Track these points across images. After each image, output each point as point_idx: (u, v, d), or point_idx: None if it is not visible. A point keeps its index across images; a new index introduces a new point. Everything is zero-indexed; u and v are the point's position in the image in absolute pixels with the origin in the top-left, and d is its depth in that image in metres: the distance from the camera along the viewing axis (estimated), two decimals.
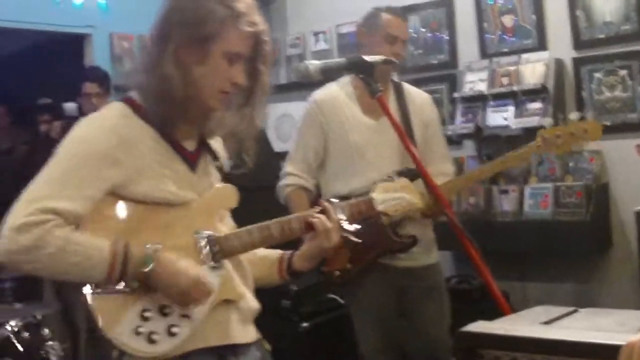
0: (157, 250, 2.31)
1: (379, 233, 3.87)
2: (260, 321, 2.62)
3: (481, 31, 5.93)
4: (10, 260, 2.26)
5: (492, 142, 5.65)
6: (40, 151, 5.71)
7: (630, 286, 5.15)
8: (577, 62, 5.49)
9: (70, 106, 5.45)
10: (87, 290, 2.30)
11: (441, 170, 4.07)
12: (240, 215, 2.65)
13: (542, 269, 5.55)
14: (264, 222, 2.55)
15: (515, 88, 5.54)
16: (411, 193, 2.71)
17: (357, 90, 4.08)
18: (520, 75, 5.58)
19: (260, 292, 2.66)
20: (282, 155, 4.51)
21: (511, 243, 5.33)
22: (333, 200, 2.65)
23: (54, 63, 7.49)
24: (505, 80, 5.65)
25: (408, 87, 4.26)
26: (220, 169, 2.62)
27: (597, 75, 5.40)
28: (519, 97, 5.53)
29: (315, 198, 4.15)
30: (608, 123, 5.18)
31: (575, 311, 2.49)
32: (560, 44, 5.56)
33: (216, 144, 2.63)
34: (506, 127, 5.52)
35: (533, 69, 5.55)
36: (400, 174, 3.84)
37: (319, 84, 3.93)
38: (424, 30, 6.24)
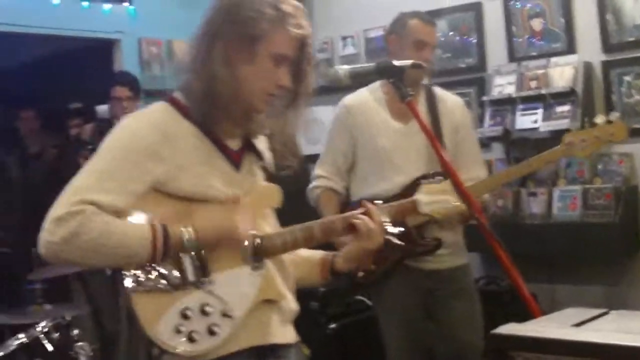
0: (190, 224, 2.33)
1: (403, 235, 3.86)
2: None
3: (509, 35, 5.92)
4: (51, 251, 2.27)
5: (520, 145, 5.64)
6: (70, 154, 5.77)
7: None
8: (607, 65, 5.47)
9: (102, 109, 5.49)
10: (128, 285, 2.31)
11: (472, 176, 3.99)
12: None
13: (570, 271, 5.52)
14: (307, 222, 2.56)
15: (544, 91, 5.52)
16: (454, 195, 2.70)
17: (387, 96, 4.09)
18: (549, 79, 5.56)
19: None
20: (311, 158, 4.53)
21: (540, 245, 5.31)
22: (377, 201, 2.64)
23: (83, 68, 7.55)
24: (533, 84, 5.63)
25: (439, 91, 4.24)
26: (265, 169, 2.63)
27: (627, 78, 5.38)
28: (547, 101, 5.51)
29: (345, 201, 4.17)
30: (638, 126, 5.17)
31: (606, 313, 2.47)
32: (589, 47, 5.54)
33: (261, 144, 2.64)
34: (535, 130, 5.51)
35: (562, 72, 5.53)
36: (428, 177, 3.91)
37: (348, 88, 3.94)
38: (452, 34, 6.24)
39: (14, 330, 4.37)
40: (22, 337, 4.16)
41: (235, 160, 2.51)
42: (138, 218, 2.33)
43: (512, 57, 5.90)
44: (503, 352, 2.17)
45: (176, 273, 2.34)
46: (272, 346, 2.50)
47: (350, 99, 4.19)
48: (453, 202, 2.68)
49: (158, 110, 2.46)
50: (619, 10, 5.39)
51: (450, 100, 4.24)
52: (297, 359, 2.61)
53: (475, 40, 6.15)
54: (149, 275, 2.32)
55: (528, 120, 5.56)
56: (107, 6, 6.75)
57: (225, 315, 2.38)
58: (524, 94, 5.62)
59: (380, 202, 2.66)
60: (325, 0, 6.86)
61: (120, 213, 2.31)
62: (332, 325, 5.06)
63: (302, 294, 2.67)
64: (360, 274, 3.90)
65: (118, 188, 2.31)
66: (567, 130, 4.83)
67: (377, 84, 4.14)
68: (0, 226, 6.90)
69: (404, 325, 4.09)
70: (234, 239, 2.39)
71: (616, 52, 5.44)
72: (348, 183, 4.22)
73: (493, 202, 5.49)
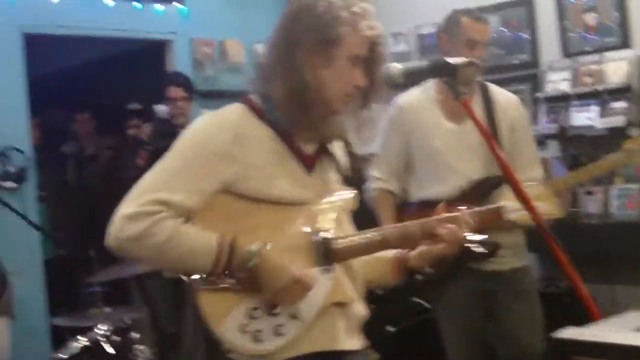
0: (262, 247, 2.34)
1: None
2: None
3: (563, 30, 5.86)
4: (118, 246, 2.33)
5: (577, 143, 5.59)
6: (125, 155, 5.82)
7: None
8: None
9: (161, 109, 5.53)
10: (195, 282, 2.35)
11: (529, 176, 3.87)
12: None
13: (630, 271, 5.43)
14: (383, 226, 2.57)
15: (598, 87, 5.46)
16: (548, 201, 2.66)
17: (440, 95, 4.05)
18: (604, 74, 5.50)
19: None
20: (365, 159, 4.52)
21: (597, 245, 5.25)
22: (460, 207, 2.59)
23: (136, 70, 7.61)
24: (588, 80, 5.58)
25: (494, 88, 4.19)
26: (341, 173, 2.64)
27: None
28: (602, 97, 5.45)
29: (402, 202, 4.15)
30: None
31: None
32: None
33: (338, 149, 2.65)
34: (591, 127, 5.45)
35: (616, 68, 5.47)
36: (483, 182, 3.89)
37: (401, 86, 3.91)
38: (504, 30, 6.20)
39: (75, 332, 4.43)
40: (82, 340, 4.22)
41: (308, 163, 2.52)
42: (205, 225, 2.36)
43: (566, 52, 5.84)
44: (564, 356, 2.16)
45: (245, 273, 2.36)
46: (337, 353, 2.49)
47: (403, 99, 4.16)
48: (545, 208, 2.64)
49: (232, 111, 2.48)
50: None
51: (505, 98, 4.18)
52: None
53: (527, 36, 6.10)
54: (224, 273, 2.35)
55: (583, 117, 5.51)
56: (159, 7, 6.80)
57: (292, 316, 2.39)
58: (579, 90, 5.58)
59: (464, 208, 2.59)
60: None
61: (190, 212, 2.35)
62: (390, 329, 5.05)
63: None
64: (419, 276, 3.91)
65: (188, 187, 2.35)
66: (624, 127, 4.79)
67: (430, 83, 4.10)
68: (58, 229, 6.99)
69: (465, 328, 4.05)
70: (295, 286, 2.37)
71: None
72: (405, 184, 4.19)
73: None
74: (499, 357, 4.18)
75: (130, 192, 2.37)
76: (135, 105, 6.84)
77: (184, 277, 3.46)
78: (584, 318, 2.50)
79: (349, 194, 2.61)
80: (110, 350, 4.22)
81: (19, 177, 5.78)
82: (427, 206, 3.82)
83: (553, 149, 5.81)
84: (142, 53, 7.21)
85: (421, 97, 4.11)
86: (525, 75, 6.07)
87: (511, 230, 3.94)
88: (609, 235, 5.22)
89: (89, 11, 6.42)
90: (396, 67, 2.55)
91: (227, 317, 2.34)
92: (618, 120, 5.27)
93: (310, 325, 2.41)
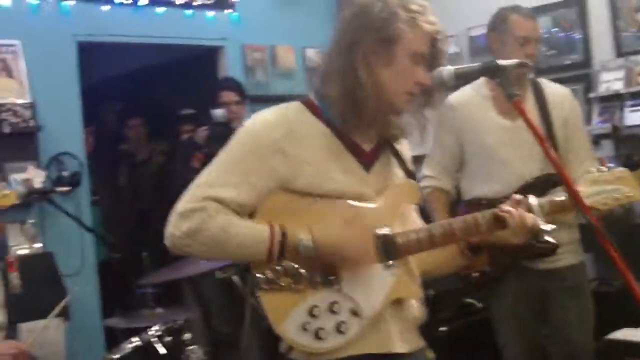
0: (310, 231, 2.35)
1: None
2: None
3: (616, 29, 5.81)
4: (174, 244, 2.38)
5: (630, 142, 5.52)
6: (177, 160, 5.86)
7: None
8: None
9: (218, 112, 5.56)
10: (256, 283, 2.37)
11: (586, 168, 3.80)
12: None
13: None
14: (446, 219, 2.55)
15: None
16: (629, 184, 2.61)
17: (492, 92, 4.02)
18: None
19: None
20: (417, 159, 4.50)
21: None
22: (531, 197, 2.57)
23: (187, 76, 7.67)
24: None
25: (546, 84, 4.14)
26: (404, 170, 2.63)
27: None
28: None
29: (455, 200, 4.13)
30: None
31: None
32: None
33: (404, 146, 2.66)
34: None
35: None
36: (540, 181, 3.84)
37: (452, 88, 3.90)
38: (556, 30, 6.15)
39: (128, 333, 4.46)
40: (135, 341, 4.24)
41: (365, 160, 2.53)
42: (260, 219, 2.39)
43: (619, 52, 5.79)
44: (617, 357, 2.14)
45: (304, 271, 2.37)
46: (391, 355, 2.48)
47: (455, 97, 4.13)
48: (625, 191, 2.61)
49: (287, 108, 2.50)
50: None
51: (558, 92, 4.13)
52: None
53: (580, 36, 6.04)
54: (277, 274, 2.37)
55: (636, 117, 5.45)
56: (210, 13, 6.85)
57: (354, 314, 2.40)
58: (633, 89, 5.52)
59: (533, 197, 2.57)
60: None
61: (243, 207, 2.38)
62: (443, 329, 5.03)
63: None
64: (475, 275, 3.89)
65: (240, 182, 2.37)
66: None
67: (481, 81, 4.07)
68: (112, 232, 7.06)
69: (519, 327, 4.02)
70: (351, 258, 2.39)
71: None
72: (457, 182, 4.18)
73: None
74: (550, 356, 4.14)
75: (186, 190, 2.41)
76: (187, 111, 6.90)
77: (235, 279, 3.49)
78: (637, 318, 2.47)
79: (410, 187, 2.61)
80: (162, 350, 4.24)
81: (73, 182, 5.84)
82: (481, 204, 3.86)
83: (607, 149, 5.76)
84: (193, 59, 7.26)
85: (473, 94, 4.08)
86: (578, 76, 6.02)
87: (568, 227, 3.91)
88: None
89: (141, 19, 6.49)
90: (447, 69, 2.53)
91: (289, 315, 2.36)
92: None
93: (368, 324, 2.42)
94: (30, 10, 5.95)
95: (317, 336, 2.36)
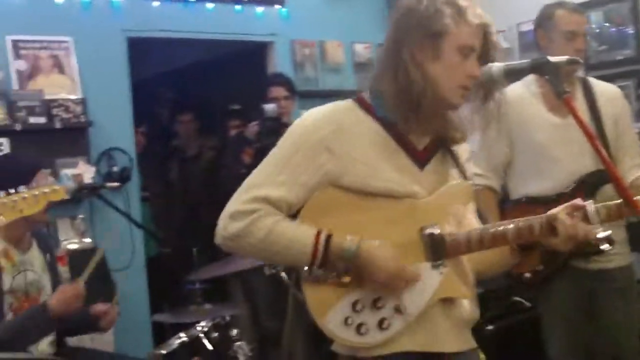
0: (357, 242, 2.35)
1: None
2: None
3: None
4: (223, 244, 2.44)
5: None
6: (229, 154, 5.89)
7: None
8: None
9: (270, 107, 5.58)
10: (302, 275, 2.41)
11: (637, 163, 3.97)
12: None
13: None
14: (500, 222, 2.53)
15: None
16: None
17: (542, 89, 3.99)
18: None
19: None
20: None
21: None
22: (589, 202, 2.53)
23: (237, 71, 7.70)
24: None
25: (596, 82, 4.11)
26: (460, 170, 2.61)
27: None
28: None
29: (502, 198, 4.10)
30: None
31: None
32: None
33: (463, 151, 2.65)
34: None
35: None
36: (591, 177, 3.80)
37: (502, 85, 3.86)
38: (607, 25, 6.07)
39: (175, 329, 4.49)
40: (183, 336, 4.27)
41: (419, 158, 2.52)
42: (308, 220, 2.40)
43: None
44: None
45: (344, 267, 2.38)
46: (438, 354, 2.47)
47: (504, 94, 4.09)
48: None
49: (338, 105, 2.52)
50: None
51: (607, 91, 4.10)
52: None
53: (632, 31, 5.95)
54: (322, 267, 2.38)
55: None
56: (260, 9, 6.87)
57: (398, 310, 2.41)
58: None
59: (591, 202, 2.53)
60: None
61: (293, 205, 2.41)
62: (490, 327, 5.00)
63: None
64: (527, 275, 3.86)
65: (289, 181, 2.39)
66: None
67: (531, 78, 4.03)
68: (162, 228, 7.12)
69: (569, 326, 3.98)
70: (395, 278, 2.38)
71: None
72: (504, 181, 4.15)
73: None
74: (595, 356, 4.10)
75: (237, 190, 2.44)
76: (235, 106, 6.92)
77: (284, 275, 3.50)
78: None
79: (464, 188, 2.59)
80: (209, 346, 4.27)
81: (123, 177, 5.90)
82: (531, 202, 3.89)
83: None
84: (243, 55, 7.30)
85: (523, 91, 4.04)
86: (629, 71, 5.93)
87: (616, 227, 3.86)
88: None
89: (190, 14, 6.53)
90: (497, 66, 2.51)
91: (332, 309, 2.38)
92: None
93: (413, 322, 2.42)
94: (82, 6, 6.02)
95: (359, 331, 2.38)
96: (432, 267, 2.45)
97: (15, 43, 5.72)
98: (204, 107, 7.72)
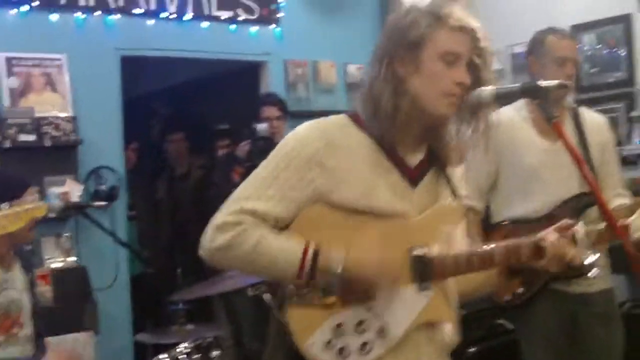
0: (344, 255, 2.30)
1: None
2: None
3: None
4: (208, 256, 2.39)
5: None
6: (219, 174, 5.87)
7: None
8: None
9: (262, 127, 5.58)
10: (284, 296, 2.36)
11: (618, 193, 4.01)
12: None
13: None
14: (488, 244, 2.49)
15: None
16: None
17: (532, 114, 4.00)
18: None
19: None
20: None
21: None
22: (579, 225, 2.49)
23: (230, 90, 7.70)
24: None
25: (584, 110, 4.14)
26: (451, 189, 2.56)
27: None
28: None
29: (484, 220, 4.08)
30: None
31: None
32: None
33: (457, 172, 2.60)
34: None
35: None
36: (575, 200, 3.80)
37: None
38: (600, 47, 6.06)
39: (157, 349, 4.47)
40: (164, 357, 4.25)
41: (411, 176, 2.47)
42: (296, 235, 2.36)
43: None
44: None
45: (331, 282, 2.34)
46: None
47: (494, 117, 4.09)
48: None
49: (331, 120, 2.47)
50: None
51: (595, 120, 4.15)
52: None
53: (624, 53, 5.94)
54: (306, 288, 2.34)
55: None
56: (254, 29, 6.87)
57: (381, 334, 2.36)
58: None
59: (581, 223, 2.50)
60: None
61: (281, 220, 2.36)
62: (472, 350, 4.98)
63: None
64: (507, 297, 3.85)
65: (277, 195, 2.35)
66: None
67: (521, 102, 4.05)
68: (148, 247, 7.08)
69: (549, 350, 3.95)
70: (383, 283, 2.35)
71: None
72: (488, 203, 4.13)
73: None
74: None
75: (224, 203, 2.40)
76: (223, 126, 6.92)
77: (267, 297, 3.47)
78: None
79: (454, 208, 2.54)
80: None
81: (111, 196, 5.87)
82: (514, 224, 3.90)
83: None
84: (236, 74, 7.30)
85: (513, 115, 4.05)
86: (621, 94, 5.92)
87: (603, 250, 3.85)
88: None
89: (185, 34, 6.54)
90: (488, 89, 2.48)
91: (315, 332, 2.33)
92: None
93: (395, 346, 2.38)
94: (76, 24, 6.02)
95: (340, 354, 2.33)
96: (418, 290, 2.41)
97: (8, 60, 5.73)
98: (195, 126, 7.70)
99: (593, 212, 3.81)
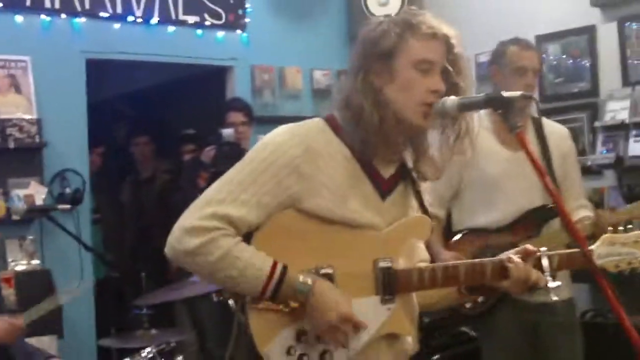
0: (312, 281, 2.30)
1: None
2: None
3: (624, 58, 5.76)
4: (174, 256, 2.35)
5: (633, 173, 5.47)
6: (185, 179, 5.86)
7: None
8: None
9: (227, 132, 5.57)
10: (247, 301, 2.34)
11: (580, 204, 4.06)
12: None
13: None
14: (452, 262, 2.50)
15: None
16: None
17: (494, 124, 4.02)
18: None
19: None
20: None
21: None
22: (542, 249, 2.52)
23: (196, 95, 7.68)
24: None
25: (546, 121, 4.18)
26: (419, 202, 2.56)
27: None
28: None
29: (445, 228, 4.11)
30: None
31: None
32: None
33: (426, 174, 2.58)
34: None
35: None
36: (537, 212, 3.84)
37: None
38: (564, 57, 6.11)
39: (121, 354, 4.46)
40: None
41: (383, 188, 2.47)
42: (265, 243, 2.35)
43: (626, 81, 5.73)
44: None
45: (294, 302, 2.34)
46: None
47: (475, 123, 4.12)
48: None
49: (309, 125, 2.45)
50: None
51: (557, 130, 4.20)
52: None
53: (588, 64, 6.00)
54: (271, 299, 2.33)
55: None
56: (220, 34, 6.85)
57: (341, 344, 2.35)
58: (638, 119, 5.47)
59: (545, 249, 2.53)
60: None
61: (252, 226, 2.34)
62: (435, 357, 5.00)
63: None
64: (468, 305, 3.87)
65: (252, 201, 2.32)
66: None
67: (483, 111, 4.06)
68: (112, 250, 7.05)
69: (508, 358, 3.99)
70: (344, 322, 2.32)
71: None
72: (449, 210, 4.15)
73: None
74: None
75: (194, 202, 2.36)
76: (188, 131, 6.90)
77: (231, 302, 3.46)
78: (630, 350, 2.43)
79: (422, 223, 2.55)
80: None
81: (75, 199, 5.84)
82: (473, 233, 3.94)
83: (609, 179, 5.70)
84: (202, 79, 7.28)
85: (476, 124, 4.07)
86: (584, 104, 5.95)
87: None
88: None
89: (151, 38, 6.51)
90: (451, 99, 2.50)
91: (276, 337, 2.33)
92: None
93: (355, 355, 2.38)
94: (42, 26, 5.99)
95: None
96: (381, 302, 2.41)
97: None
98: (160, 130, 7.68)
99: (555, 224, 3.87)
